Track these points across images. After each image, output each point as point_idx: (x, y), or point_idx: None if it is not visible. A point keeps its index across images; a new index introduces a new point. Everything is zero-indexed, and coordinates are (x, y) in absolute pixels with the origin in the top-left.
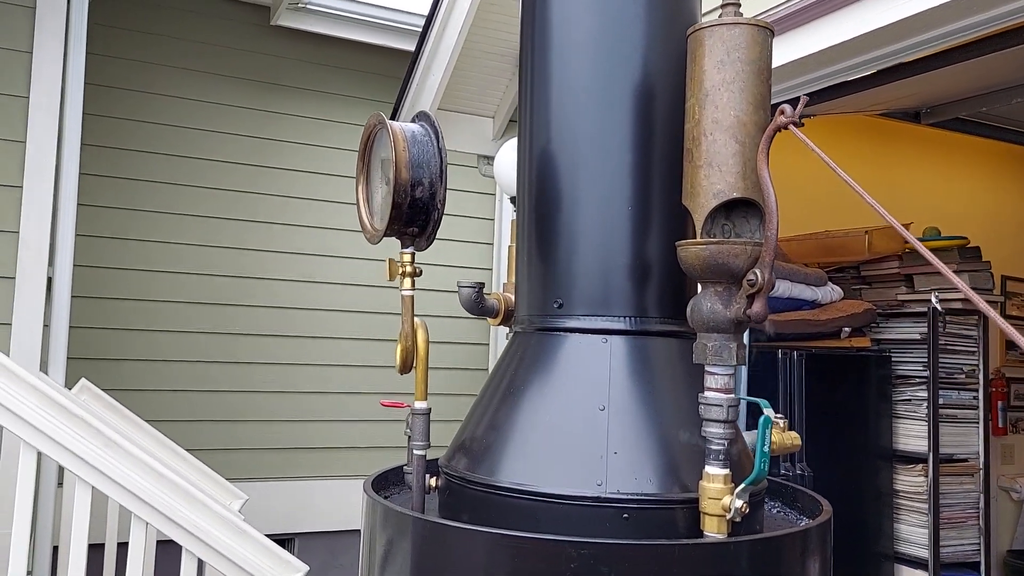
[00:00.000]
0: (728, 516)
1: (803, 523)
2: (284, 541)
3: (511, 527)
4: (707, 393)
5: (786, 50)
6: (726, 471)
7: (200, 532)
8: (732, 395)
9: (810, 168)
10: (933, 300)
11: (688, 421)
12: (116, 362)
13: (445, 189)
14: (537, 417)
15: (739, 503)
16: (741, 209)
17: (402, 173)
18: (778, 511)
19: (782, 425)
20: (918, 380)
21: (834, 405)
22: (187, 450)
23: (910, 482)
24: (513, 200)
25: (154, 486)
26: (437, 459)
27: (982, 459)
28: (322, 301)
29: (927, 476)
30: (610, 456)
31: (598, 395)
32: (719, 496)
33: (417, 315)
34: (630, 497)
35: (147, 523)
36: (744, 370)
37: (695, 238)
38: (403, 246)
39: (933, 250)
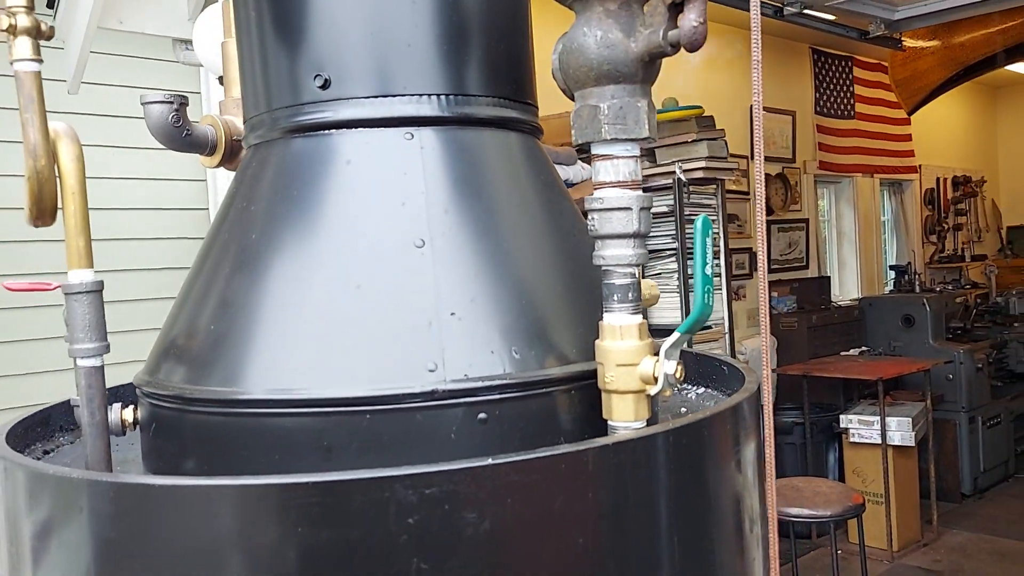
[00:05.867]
0: (654, 390)
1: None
2: None
3: (281, 467)
4: (602, 191)
5: None
6: (640, 318)
7: None
8: (641, 191)
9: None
10: (677, 171)
11: (556, 251)
12: None
13: None
14: (307, 274)
15: (671, 365)
16: None
17: None
18: None
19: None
20: (668, 252)
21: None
22: None
23: None
24: (221, 80)
25: None
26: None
27: (727, 324)
28: None
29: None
30: (444, 320)
31: (411, 224)
32: (634, 359)
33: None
34: (485, 384)
35: None
36: None
37: None
38: None
39: (674, 120)
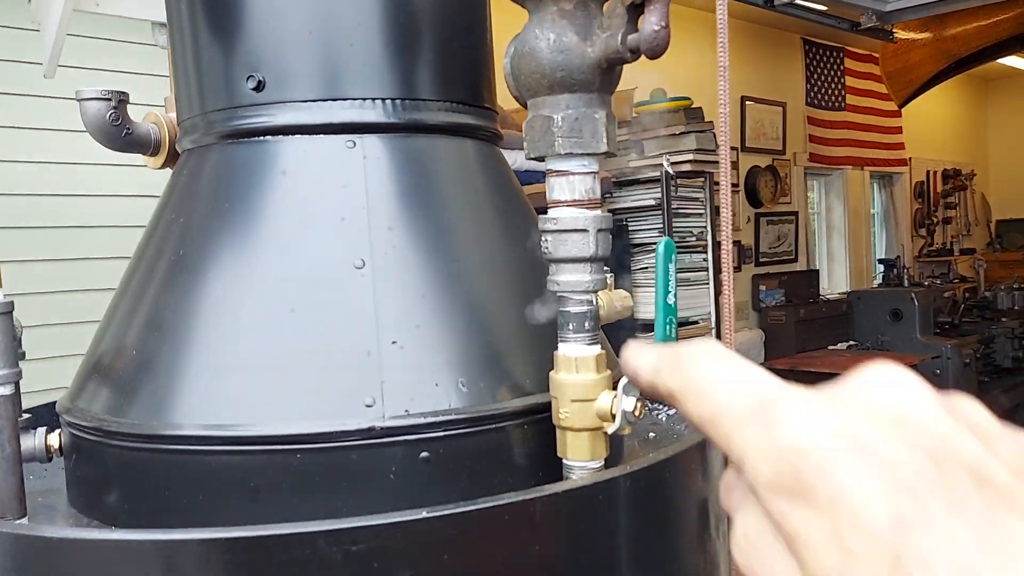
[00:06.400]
0: (612, 428)
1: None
2: None
3: (203, 513)
4: (556, 211)
5: None
6: (598, 349)
7: None
8: (599, 211)
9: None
10: (665, 164)
11: (512, 271)
12: None
13: None
14: (238, 296)
15: (630, 402)
16: None
17: None
18: None
19: (608, 282)
20: (654, 247)
21: None
22: None
23: None
24: None
25: None
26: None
27: (713, 319)
28: None
29: None
30: (385, 350)
31: (351, 242)
32: (590, 395)
33: None
34: (427, 421)
35: None
36: None
37: None
38: None
39: (662, 111)
